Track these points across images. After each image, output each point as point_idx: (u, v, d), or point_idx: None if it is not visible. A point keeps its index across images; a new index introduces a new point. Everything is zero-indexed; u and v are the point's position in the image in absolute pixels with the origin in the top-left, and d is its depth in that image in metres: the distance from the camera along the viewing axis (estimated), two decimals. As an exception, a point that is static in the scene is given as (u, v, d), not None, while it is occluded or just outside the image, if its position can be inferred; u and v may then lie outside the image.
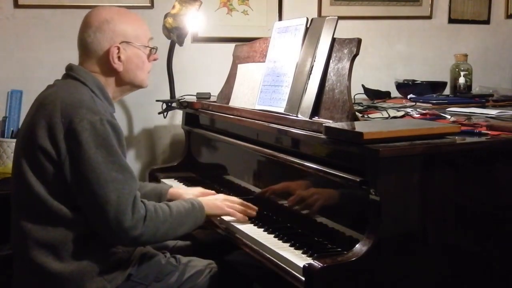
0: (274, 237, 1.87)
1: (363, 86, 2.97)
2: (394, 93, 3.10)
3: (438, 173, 1.64)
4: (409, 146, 1.59)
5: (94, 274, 1.75)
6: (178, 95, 2.98)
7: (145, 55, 1.91)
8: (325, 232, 1.81)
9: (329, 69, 1.95)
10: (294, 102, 2.02)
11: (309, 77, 2.00)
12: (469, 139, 1.74)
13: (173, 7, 2.83)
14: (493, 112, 2.24)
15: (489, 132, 1.82)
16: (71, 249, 1.73)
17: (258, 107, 2.22)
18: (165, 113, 2.94)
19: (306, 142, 1.92)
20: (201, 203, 1.94)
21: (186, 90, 3.01)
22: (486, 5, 3.88)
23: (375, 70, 3.57)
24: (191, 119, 2.86)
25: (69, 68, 1.87)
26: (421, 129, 1.68)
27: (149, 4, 3.14)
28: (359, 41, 1.87)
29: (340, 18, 2.01)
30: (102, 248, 1.78)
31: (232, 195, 2.25)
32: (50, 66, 2.87)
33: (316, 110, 1.93)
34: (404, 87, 3.10)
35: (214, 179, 2.56)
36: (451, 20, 3.82)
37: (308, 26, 2.11)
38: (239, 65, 2.51)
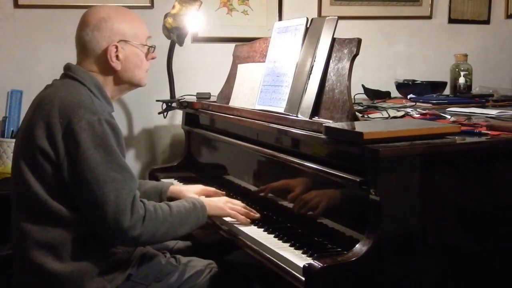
0: (274, 237, 1.87)
1: (363, 86, 2.97)
2: (394, 93, 3.10)
3: (438, 173, 1.64)
4: (409, 146, 1.59)
5: (94, 274, 1.75)
6: (178, 95, 2.98)
7: (143, 53, 1.91)
8: (325, 232, 1.81)
9: (329, 69, 1.95)
10: (294, 102, 2.02)
11: (309, 77, 2.00)
12: (469, 139, 1.74)
13: (173, 7, 2.83)
14: (493, 112, 2.24)
15: (489, 132, 1.82)
16: (71, 249, 1.73)
17: (258, 107, 2.22)
18: (165, 113, 2.94)
19: (306, 142, 1.92)
20: (203, 204, 1.93)
21: (186, 90, 3.01)
22: (486, 5, 3.89)
23: (375, 70, 3.57)
24: (191, 119, 2.86)
25: (67, 67, 1.87)
26: (421, 129, 1.68)
27: (149, 4, 3.14)
28: (359, 41, 1.87)
29: (340, 18, 2.01)
30: (102, 248, 1.78)
31: (232, 195, 2.26)
32: (50, 66, 2.87)
33: (316, 110, 1.93)
34: (404, 87, 3.10)
35: (214, 179, 2.56)
36: (451, 20, 3.82)
37: (308, 26, 2.11)
38: (239, 65, 2.51)
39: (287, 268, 1.66)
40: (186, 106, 2.76)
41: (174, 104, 2.88)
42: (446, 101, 2.64)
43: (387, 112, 2.18)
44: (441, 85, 3.14)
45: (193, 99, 2.86)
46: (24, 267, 1.79)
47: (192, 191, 2.18)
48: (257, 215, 2.02)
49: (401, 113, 2.19)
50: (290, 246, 1.77)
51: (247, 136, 2.28)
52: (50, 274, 1.72)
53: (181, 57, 3.11)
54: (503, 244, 1.74)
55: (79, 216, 1.72)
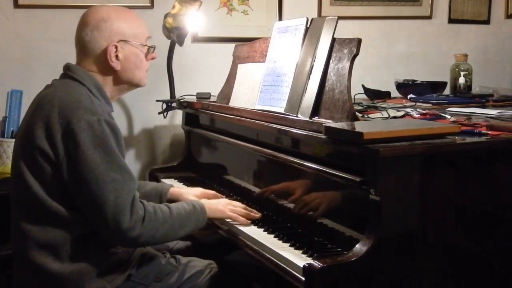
0: (274, 237, 1.87)
1: (363, 86, 2.97)
2: (394, 93, 3.10)
3: (438, 173, 1.64)
4: (409, 146, 1.59)
5: (94, 275, 1.75)
6: (178, 95, 2.98)
7: (143, 53, 1.90)
8: (325, 232, 1.81)
9: (329, 69, 1.95)
10: (294, 102, 2.02)
11: (309, 77, 2.00)
12: (469, 139, 1.74)
13: (173, 7, 2.83)
14: (493, 112, 2.24)
15: (489, 132, 1.82)
16: (71, 249, 1.73)
17: (258, 107, 2.22)
18: (165, 113, 2.94)
19: (306, 142, 1.92)
20: (203, 206, 1.93)
21: (186, 90, 3.01)
22: (486, 5, 3.89)
23: (375, 70, 3.57)
24: (191, 119, 2.86)
25: (67, 67, 1.87)
26: (421, 129, 1.68)
27: (149, 4, 3.14)
28: (359, 41, 1.87)
29: (340, 18, 2.01)
30: (102, 249, 1.78)
31: (232, 195, 2.26)
32: (50, 66, 2.87)
33: (316, 110, 1.93)
34: (404, 87, 3.10)
35: (214, 179, 2.56)
36: (451, 20, 3.82)
37: (308, 26, 2.11)
38: (239, 65, 2.51)
39: (287, 268, 1.66)
40: (186, 106, 2.76)
41: (174, 104, 2.88)
42: (446, 101, 2.64)
43: (387, 112, 2.18)
44: (441, 85, 3.14)
45: (193, 99, 2.86)
46: (24, 267, 1.79)
47: (192, 194, 2.18)
48: (258, 215, 2.02)
49: (401, 113, 2.19)
50: (290, 246, 1.77)
51: (247, 136, 2.28)
52: (50, 274, 1.72)
53: (181, 57, 3.12)
54: (503, 244, 1.74)
55: (79, 216, 1.72)
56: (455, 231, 1.67)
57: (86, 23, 1.84)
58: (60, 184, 1.70)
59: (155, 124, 3.24)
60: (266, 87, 2.20)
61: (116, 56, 1.84)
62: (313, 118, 1.92)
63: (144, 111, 3.19)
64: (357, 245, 1.57)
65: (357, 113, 1.89)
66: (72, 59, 1.91)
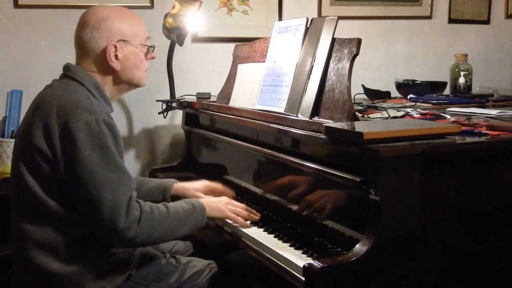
0: (274, 237, 1.87)
1: (363, 86, 2.97)
2: (394, 93, 3.10)
3: (438, 173, 1.64)
4: (409, 146, 1.59)
5: (94, 275, 1.75)
6: (178, 95, 2.98)
7: (142, 53, 1.90)
8: (325, 232, 1.81)
9: (329, 69, 1.95)
10: (294, 102, 2.02)
11: (309, 77, 2.00)
12: (469, 139, 1.74)
13: (173, 7, 2.83)
14: (493, 112, 2.24)
15: (489, 132, 1.82)
16: (71, 249, 1.73)
17: (258, 107, 2.22)
18: (165, 113, 2.94)
19: (306, 142, 1.92)
20: (203, 205, 1.91)
21: (186, 90, 3.01)
22: (486, 5, 3.89)
23: (375, 70, 3.57)
24: (191, 119, 2.86)
25: (66, 68, 1.87)
26: (421, 129, 1.68)
27: (149, 4, 3.14)
28: (359, 41, 1.87)
29: (340, 18, 2.01)
30: (102, 249, 1.78)
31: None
32: (50, 66, 2.87)
33: (316, 110, 1.93)
34: (404, 87, 3.10)
35: (214, 179, 2.55)
36: (451, 20, 3.82)
37: (308, 26, 2.11)
38: (239, 65, 2.51)
39: (287, 268, 1.66)
40: (186, 106, 2.76)
41: (174, 104, 2.88)
42: (446, 101, 2.64)
43: (387, 112, 2.18)
44: (441, 85, 3.15)
45: (193, 99, 2.86)
46: (24, 267, 1.79)
47: (197, 188, 2.14)
48: (257, 217, 2.01)
49: (401, 113, 2.19)
50: (290, 246, 1.77)
51: (247, 136, 2.28)
52: (50, 274, 1.72)
53: (181, 57, 3.11)
54: (503, 244, 1.74)
55: (78, 216, 1.72)
56: (455, 231, 1.67)
57: (85, 23, 1.84)
58: (59, 184, 1.70)
59: (155, 124, 3.24)
60: (266, 87, 2.20)
61: (116, 56, 1.84)
62: (313, 118, 1.92)
63: (144, 111, 3.19)
64: (357, 245, 1.57)
65: (357, 113, 1.89)
66: (72, 59, 1.91)
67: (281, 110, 2.06)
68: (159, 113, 2.94)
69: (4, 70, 2.99)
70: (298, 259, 1.67)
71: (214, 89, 2.78)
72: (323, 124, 1.73)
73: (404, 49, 3.73)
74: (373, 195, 1.56)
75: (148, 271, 1.88)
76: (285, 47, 2.17)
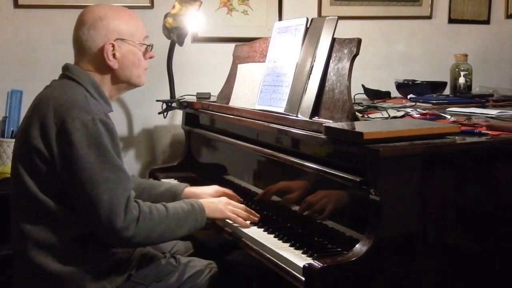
0: (274, 237, 1.87)
1: (363, 86, 2.97)
2: (394, 93, 3.10)
3: (438, 173, 1.64)
4: (409, 146, 1.59)
5: (94, 275, 1.75)
6: (178, 95, 2.98)
7: (140, 52, 1.89)
8: (325, 232, 1.81)
9: (329, 69, 1.95)
10: (294, 102, 2.02)
11: (309, 77, 2.00)
12: (469, 139, 1.74)
13: (173, 7, 2.83)
14: (493, 112, 2.24)
15: (489, 132, 1.82)
16: (71, 249, 1.73)
17: (258, 107, 2.22)
18: (165, 113, 2.94)
19: (306, 142, 1.92)
20: (202, 205, 1.90)
21: (186, 90, 3.01)
22: (486, 5, 3.89)
23: (375, 70, 3.57)
24: (191, 119, 2.86)
25: (65, 68, 1.86)
26: (421, 129, 1.68)
27: (149, 4, 3.14)
28: (359, 41, 1.87)
29: (340, 18, 2.01)
30: (101, 249, 1.78)
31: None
32: (50, 66, 2.87)
33: (316, 110, 1.93)
34: (404, 87, 3.10)
35: (214, 179, 2.56)
36: (451, 20, 3.82)
37: (308, 26, 2.11)
38: (239, 65, 2.51)
39: (287, 268, 1.66)
40: (186, 106, 2.76)
41: (174, 104, 2.88)
42: (446, 101, 2.64)
43: (387, 112, 2.18)
44: (441, 85, 3.14)
45: (193, 99, 2.86)
46: (24, 267, 1.79)
47: (208, 193, 2.13)
48: (257, 218, 2.01)
49: (401, 113, 2.19)
50: (290, 246, 1.77)
51: (247, 136, 2.28)
52: (50, 274, 1.72)
53: (181, 57, 3.11)
54: (503, 244, 1.74)
55: (77, 216, 1.72)
56: (455, 231, 1.67)
57: (83, 22, 1.84)
58: (57, 184, 1.70)
59: (155, 124, 3.24)
60: (266, 87, 2.20)
61: (114, 55, 1.83)
62: (313, 118, 1.92)
63: (144, 111, 3.19)
64: (357, 245, 1.57)
65: (357, 113, 1.89)
66: (72, 59, 1.90)
67: (281, 110, 2.06)
68: (159, 113, 2.94)
69: (4, 70, 2.99)
70: (298, 259, 1.67)
71: (214, 89, 2.78)
72: (323, 124, 1.73)
73: (404, 49, 3.72)
74: (373, 195, 1.56)
75: (148, 271, 1.88)
76: (285, 47, 2.17)
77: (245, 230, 1.94)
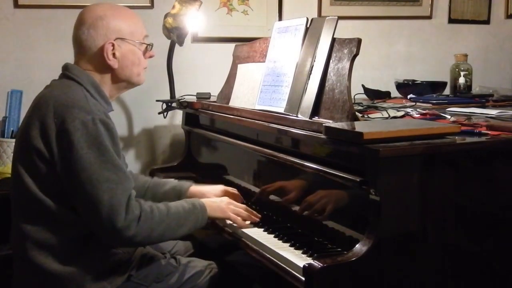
0: (274, 237, 1.87)
1: (363, 86, 2.97)
2: (394, 93, 3.10)
3: (438, 173, 1.64)
4: (409, 146, 1.59)
5: (94, 275, 1.75)
6: (178, 95, 2.98)
7: (140, 51, 1.89)
8: (325, 232, 1.81)
9: (329, 69, 1.95)
10: (294, 102, 2.02)
11: (309, 77, 2.00)
12: (469, 139, 1.74)
13: (173, 7, 2.83)
14: (493, 112, 2.24)
15: (489, 132, 1.82)
16: (71, 249, 1.73)
17: (258, 107, 2.22)
18: (165, 113, 2.94)
19: (306, 142, 1.92)
20: (204, 205, 1.90)
21: (186, 90, 3.01)
22: (486, 5, 3.89)
23: (375, 70, 3.57)
24: (191, 119, 2.86)
25: (65, 67, 1.86)
26: (421, 129, 1.68)
27: (149, 4, 3.14)
28: (359, 41, 1.87)
29: (340, 18, 2.01)
30: (102, 249, 1.78)
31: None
32: (50, 66, 2.87)
33: (316, 110, 1.93)
34: (404, 87, 3.10)
35: (214, 179, 2.56)
36: (451, 20, 3.82)
37: (308, 26, 2.11)
38: (239, 65, 2.51)
39: (287, 268, 1.66)
40: (186, 106, 2.76)
41: (174, 104, 2.88)
42: (446, 101, 2.64)
43: (387, 112, 2.18)
44: (441, 85, 3.15)
45: (193, 99, 2.86)
46: (24, 268, 1.79)
47: (213, 193, 2.12)
48: (258, 219, 2.00)
49: (401, 113, 2.19)
50: (290, 246, 1.77)
51: (247, 136, 2.28)
52: (50, 274, 1.72)
53: (181, 57, 3.11)
54: (503, 244, 1.74)
55: (78, 217, 1.72)
56: (455, 231, 1.67)
57: (82, 22, 1.83)
58: (57, 184, 1.70)
59: (155, 124, 3.24)
60: (266, 87, 2.20)
61: (113, 54, 1.83)
62: (313, 118, 1.92)
63: (144, 111, 3.19)
64: (357, 245, 1.57)
65: (357, 113, 1.89)
66: (72, 59, 1.90)
67: (281, 110, 2.06)
68: (159, 113, 2.94)
69: (4, 70, 2.99)
70: (298, 259, 1.67)
71: (214, 89, 2.78)
72: (323, 124, 1.73)
73: (404, 49, 3.73)
74: (373, 195, 1.56)
75: (148, 271, 1.88)
76: (285, 47, 2.17)
77: (245, 230, 1.94)
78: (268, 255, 1.77)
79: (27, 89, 2.90)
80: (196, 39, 3.26)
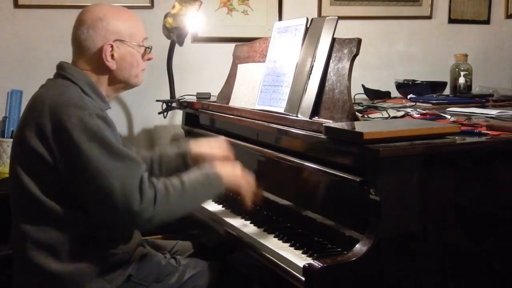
0: (274, 237, 1.87)
1: (363, 86, 2.97)
2: (394, 93, 3.10)
3: (438, 173, 1.64)
4: (409, 146, 1.59)
5: (94, 275, 1.75)
6: (178, 95, 2.98)
7: (139, 54, 1.88)
8: (325, 232, 1.81)
9: (329, 69, 1.95)
10: (294, 102, 2.02)
11: (309, 77, 2.00)
12: (469, 139, 1.74)
13: (173, 7, 2.83)
14: (493, 112, 2.25)
15: (489, 132, 1.82)
16: (71, 249, 1.73)
17: (258, 107, 2.22)
18: (165, 113, 2.94)
19: (306, 142, 1.92)
20: (219, 174, 1.85)
21: (186, 90, 3.01)
22: (486, 5, 3.89)
23: (375, 70, 3.57)
24: (191, 119, 2.86)
25: (60, 67, 1.85)
26: (421, 129, 1.68)
27: (149, 4, 3.15)
28: (359, 41, 1.87)
29: (340, 18, 2.01)
30: (102, 249, 1.77)
31: (232, 195, 2.25)
32: (50, 66, 2.82)
33: (316, 110, 1.93)
34: (404, 87, 3.10)
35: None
36: (451, 20, 3.82)
37: (308, 26, 2.11)
38: (239, 65, 2.51)
39: (287, 268, 1.66)
40: (186, 106, 2.76)
41: (174, 104, 2.88)
42: (446, 101, 2.65)
43: (387, 112, 2.18)
44: (441, 85, 3.15)
45: (193, 99, 2.86)
46: (24, 268, 1.79)
47: (214, 158, 2.04)
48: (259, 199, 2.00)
49: (401, 113, 2.19)
50: (290, 246, 1.77)
51: (247, 136, 2.28)
52: (50, 274, 1.71)
53: (181, 57, 3.12)
54: (503, 244, 1.74)
55: (77, 216, 1.71)
56: (455, 231, 1.67)
57: (82, 22, 1.83)
58: (57, 184, 1.69)
59: (155, 124, 3.25)
60: (266, 87, 2.20)
61: (112, 56, 1.82)
62: (313, 118, 1.92)
63: (144, 111, 3.19)
64: (357, 245, 1.57)
65: (357, 113, 1.89)
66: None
67: (281, 110, 2.06)
68: (159, 113, 2.94)
69: (4, 70, 2.99)
70: (298, 259, 1.67)
71: (214, 89, 2.78)
72: (323, 124, 1.73)
73: (404, 49, 3.73)
74: (373, 195, 1.56)
75: (148, 271, 1.88)
76: (285, 47, 2.17)
77: (245, 230, 1.94)
78: (268, 255, 1.77)
79: (27, 89, 2.89)
80: (196, 39, 3.26)
